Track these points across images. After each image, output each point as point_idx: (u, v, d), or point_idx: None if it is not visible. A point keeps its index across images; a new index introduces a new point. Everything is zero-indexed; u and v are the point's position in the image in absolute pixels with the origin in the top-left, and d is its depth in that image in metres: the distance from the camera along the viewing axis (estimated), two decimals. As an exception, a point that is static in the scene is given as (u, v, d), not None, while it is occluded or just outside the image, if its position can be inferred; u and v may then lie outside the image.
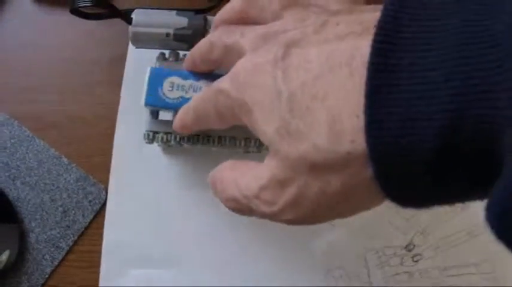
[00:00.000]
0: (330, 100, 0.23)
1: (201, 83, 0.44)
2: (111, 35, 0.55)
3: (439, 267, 0.50)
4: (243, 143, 0.46)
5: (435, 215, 0.51)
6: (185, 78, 0.45)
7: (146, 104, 0.44)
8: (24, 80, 0.54)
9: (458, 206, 0.51)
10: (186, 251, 0.49)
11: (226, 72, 0.43)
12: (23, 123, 0.52)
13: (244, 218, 0.50)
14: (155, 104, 0.44)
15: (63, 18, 0.47)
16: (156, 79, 0.44)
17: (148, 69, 0.44)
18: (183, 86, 0.44)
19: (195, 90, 0.44)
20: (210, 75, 0.45)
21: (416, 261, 0.50)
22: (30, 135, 0.51)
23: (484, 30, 0.20)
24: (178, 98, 0.44)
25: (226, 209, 0.50)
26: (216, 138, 0.46)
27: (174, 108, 0.44)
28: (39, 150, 0.51)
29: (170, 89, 0.44)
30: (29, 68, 0.54)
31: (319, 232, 0.50)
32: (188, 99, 0.44)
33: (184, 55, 0.49)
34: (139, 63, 0.53)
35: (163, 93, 0.44)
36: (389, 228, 0.50)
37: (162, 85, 0.44)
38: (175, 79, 0.45)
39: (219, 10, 0.49)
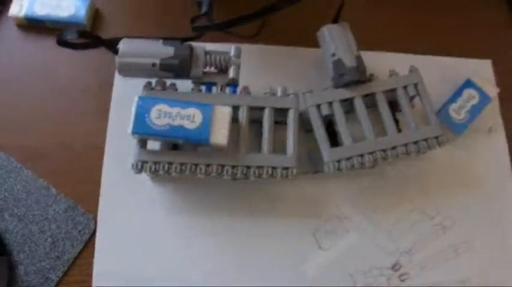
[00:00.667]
0: None
1: (189, 111, 0.45)
2: (99, 63, 0.56)
3: (426, 285, 0.51)
4: (230, 170, 0.46)
5: (421, 234, 0.52)
6: (172, 105, 0.45)
7: (133, 133, 0.44)
8: (10, 111, 0.54)
9: (444, 225, 0.52)
10: (176, 278, 0.49)
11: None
12: (10, 154, 0.52)
13: (235, 244, 0.50)
14: (142, 132, 0.45)
15: (50, 47, 0.47)
16: (143, 107, 0.45)
17: (135, 98, 0.45)
18: (170, 113, 0.45)
19: (182, 118, 0.45)
20: (198, 103, 0.46)
21: (403, 280, 0.51)
22: (18, 166, 0.51)
23: None
24: (165, 125, 0.45)
25: (217, 236, 0.50)
26: (203, 166, 0.46)
27: (162, 136, 0.45)
28: (27, 181, 0.51)
29: (157, 116, 0.45)
30: (15, 98, 0.54)
31: (308, 255, 0.50)
32: (176, 126, 0.45)
33: (171, 84, 0.50)
34: (126, 92, 0.53)
35: (151, 121, 0.44)
36: (376, 249, 0.51)
37: (149, 113, 0.45)
38: (163, 107, 0.45)
39: (204, 39, 0.51)
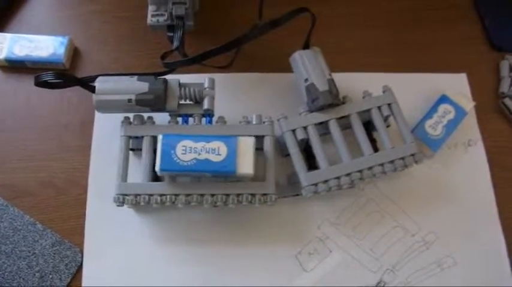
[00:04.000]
0: None
1: (213, 144, 0.46)
2: (80, 100, 0.57)
3: (412, 301, 0.51)
4: (209, 199, 0.47)
5: (404, 251, 0.53)
6: (197, 140, 0.46)
7: (161, 170, 0.45)
8: (-5, 150, 0.55)
9: (426, 241, 0.53)
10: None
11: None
12: (-4, 192, 0.53)
13: (218, 271, 0.51)
14: (170, 169, 0.45)
15: (31, 86, 0.48)
16: (168, 145, 0.46)
17: (160, 136, 0.46)
18: (195, 148, 0.46)
19: (207, 152, 0.46)
20: (221, 136, 0.47)
21: (388, 298, 0.51)
22: (4, 204, 0.52)
23: None
24: (192, 160, 0.45)
25: (201, 263, 0.51)
26: (183, 196, 0.47)
27: (189, 171, 0.46)
28: (13, 218, 0.52)
29: (183, 152, 0.46)
30: (-1, 138, 0.56)
31: (292, 278, 0.51)
32: (202, 160, 0.45)
33: (149, 117, 0.51)
34: (107, 127, 0.55)
35: (178, 157, 0.45)
36: (360, 268, 0.52)
37: (175, 150, 0.45)
38: (187, 142, 0.46)
39: (179, 71, 0.52)
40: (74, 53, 0.60)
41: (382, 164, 0.50)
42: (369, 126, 0.53)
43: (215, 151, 0.45)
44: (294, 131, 0.51)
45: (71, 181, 0.54)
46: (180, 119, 0.51)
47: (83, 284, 0.50)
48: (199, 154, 0.45)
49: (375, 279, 0.52)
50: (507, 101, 0.58)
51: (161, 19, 0.54)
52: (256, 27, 0.49)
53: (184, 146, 0.45)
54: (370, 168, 0.50)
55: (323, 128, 0.52)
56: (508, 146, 0.57)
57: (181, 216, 0.53)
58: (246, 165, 0.46)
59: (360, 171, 0.50)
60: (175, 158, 0.45)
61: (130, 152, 0.51)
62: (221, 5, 0.63)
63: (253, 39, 0.49)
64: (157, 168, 0.45)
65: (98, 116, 0.56)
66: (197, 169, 0.45)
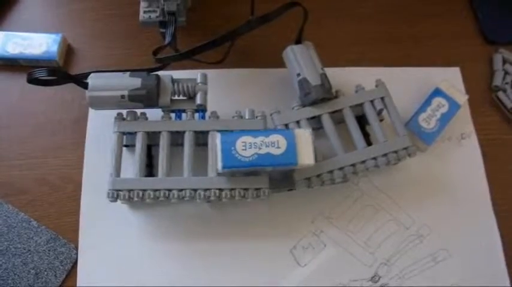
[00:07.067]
0: None
1: (272, 138, 0.46)
2: (73, 97, 0.57)
3: (407, 295, 0.51)
4: (202, 193, 0.48)
5: (398, 245, 0.53)
6: (255, 135, 0.46)
7: (224, 167, 0.45)
8: (-11, 148, 0.55)
9: (420, 235, 0.53)
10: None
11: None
12: (-10, 190, 0.53)
13: (213, 267, 0.51)
14: (233, 165, 0.45)
15: (25, 84, 0.48)
16: (228, 142, 0.45)
17: (218, 135, 0.46)
18: (255, 143, 0.46)
19: (267, 146, 0.46)
20: (280, 130, 0.47)
21: (383, 291, 0.52)
22: (-1, 202, 0.53)
23: None
24: (253, 155, 0.45)
25: (195, 259, 0.51)
26: (176, 191, 0.47)
27: (252, 166, 0.45)
28: (8, 215, 0.52)
29: (243, 148, 0.45)
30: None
31: (287, 272, 0.51)
32: (263, 155, 0.45)
33: (142, 113, 0.51)
34: (101, 123, 0.55)
35: (238, 154, 0.45)
36: (354, 262, 0.52)
37: (235, 146, 0.45)
38: (247, 138, 0.46)
39: (172, 67, 0.52)
40: (67, 50, 0.60)
41: (375, 158, 0.50)
42: (362, 120, 0.54)
43: (275, 144, 0.45)
44: (286, 125, 0.51)
45: (65, 178, 0.54)
46: (173, 115, 0.51)
47: (77, 281, 0.50)
48: (260, 149, 0.45)
49: (369, 272, 0.52)
50: (500, 94, 0.59)
51: (153, 15, 0.54)
52: (248, 22, 0.49)
53: (243, 142, 0.45)
54: (363, 162, 0.50)
55: (316, 122, 0.52)
56: (501, 139, 0.57)
57: (175, 211, 0.53)
58: (306, 156, 0.45)
59: (353, 165, 0.50)
60: (236, 155, 0.45)
61: (124, 148, 0.51)
62: (213, 0, 0.63)
63: (245, 34, 0.49)
64: (219, 166, 0.45)
65: (92, 113, 0.56)
66: (259, 163, 0.45)
